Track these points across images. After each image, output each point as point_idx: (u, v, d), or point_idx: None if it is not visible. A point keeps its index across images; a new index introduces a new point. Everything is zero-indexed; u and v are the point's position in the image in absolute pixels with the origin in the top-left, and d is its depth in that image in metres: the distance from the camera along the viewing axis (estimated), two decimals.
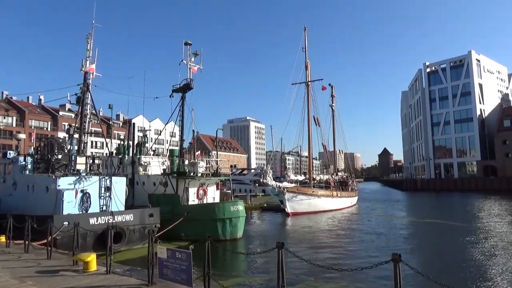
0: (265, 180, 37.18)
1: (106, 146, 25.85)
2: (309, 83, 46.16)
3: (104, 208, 21.11)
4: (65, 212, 19.26)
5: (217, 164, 26.68)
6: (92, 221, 19.10)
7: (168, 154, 30.79)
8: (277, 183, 39.13)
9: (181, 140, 27.49)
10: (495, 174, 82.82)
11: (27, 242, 14.12)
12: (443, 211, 42.61)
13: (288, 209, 37.54)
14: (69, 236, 17.94)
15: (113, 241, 19.68)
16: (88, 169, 21.58)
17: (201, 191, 25.78)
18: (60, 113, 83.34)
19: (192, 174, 24.80)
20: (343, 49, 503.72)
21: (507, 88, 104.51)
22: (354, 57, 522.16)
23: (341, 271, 6.26)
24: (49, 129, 78.56)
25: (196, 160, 26.25)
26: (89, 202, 20.60)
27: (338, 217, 37.40)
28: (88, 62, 22.38)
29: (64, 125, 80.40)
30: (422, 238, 25.23)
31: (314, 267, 7.29)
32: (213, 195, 26.85)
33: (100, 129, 35.84)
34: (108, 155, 27.83)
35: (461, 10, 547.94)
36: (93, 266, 10.86)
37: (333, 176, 50.86)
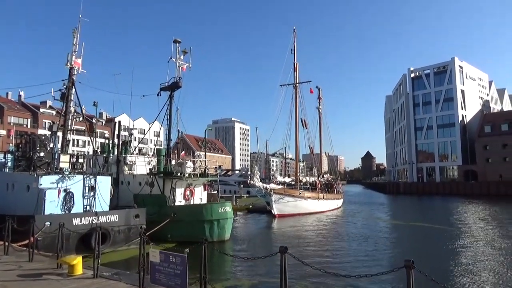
0: (252, 181, 36.85)
1: (91, 144, 25.05)
2: (297, 85, 46.09)
3: (88, 208, 20.47)
4: (47, 212, 18.55)
5: (206, 165, 26.21)
6: (76, 221, 18.44)
7: (153, 153, 30.13)
8: (264, 184, 38.87)
9: (169, 139, 26.91)
10: (475, 178, 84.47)
11: (7, 243, 13.41)
12: (427, 214, 42.99)
13: (275, 211, 37.29)
14: (51, 237, 17.24)
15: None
16: (71, 167, 20.81)
17: (188, 192, 25.29)
18: (41, 110, 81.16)
19: (179, 174, 24.29)
20: (328, 51, 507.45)
21: (487, 95, 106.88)
22: (338, 59, 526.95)
23: (348, 277, 5.95)
24: (29, 126, 76.38)
25: (182, 160, 25.75)
26: (72, 202, 19.90)
27: (325, 219, 37.34)
28: (73, 57, 21.62)
29: (45, 122, 78.31)
30: (410, 242, 25.32)
31: (314, 271, 6.99)
32: (200, 196, 26.39)
33: (84, 127, 34.88)
34: (92, 153, 27.02)
35: (443, 16, 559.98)
36: (79, 270, 10.32)
37: (319, 178, 50.90)
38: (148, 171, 26.15)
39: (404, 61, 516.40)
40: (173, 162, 26.95)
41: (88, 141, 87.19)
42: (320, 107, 55.37)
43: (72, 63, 21.50)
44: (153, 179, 24.33)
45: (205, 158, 27.70)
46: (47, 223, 17.36)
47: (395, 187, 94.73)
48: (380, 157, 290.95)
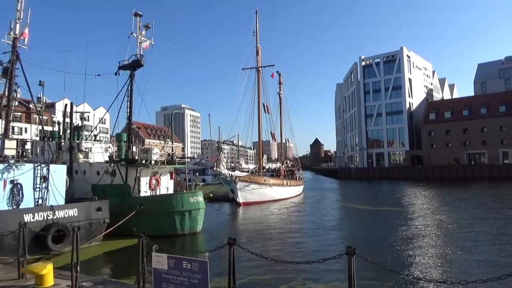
0: (219, 169, 35.11)
1: (41, 129, 21.87)
2: (260, 68, 44.57)
3: (40, 202, 17.73)
4: None
5: (173, 151, 24.06)
6: (27, 217, 15.76)
7: (112, 139, 27.29)
8: (229, 172, 37.24)
9: (129, 123, 24.30)
10: (421, 163, 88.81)
11: None
12: (383, 198, 43.71)
13: (240, 199, 35.92)
14: None
15: (54, 241, 16.72)
16: (19, 155, 17.86)
17: (153, 181, 23.09)
18: None
19: (144, 161, 22.00)
20: (278, 36, 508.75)
21: (431, 84, 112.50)
22: (286, 46, 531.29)
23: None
24: None
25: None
26: (21, 195, 17.14)
27: (291, 206, 36.60)
28: (18, 26, 18.35)
29: None
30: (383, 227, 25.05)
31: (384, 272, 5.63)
32: (166, 185, 24.27)
33: (25, 110, 31.09)
34: (40, 139, 23.82)
35: (392, 6, 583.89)
36: (49, 280, 8.22)
37: (283, 165, 50.20)
38: (107, 159, 23.52)
39: (347, 49, 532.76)
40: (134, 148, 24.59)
41: (26, 128, 79.66)
42: (281, 92, 54.47)
43: (16, 32, 18.23)
44: (114, 168, 21.82)
45: (172, 143, 25.44)
46: None
47: (347, 172, 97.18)
48: (328, 144, 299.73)
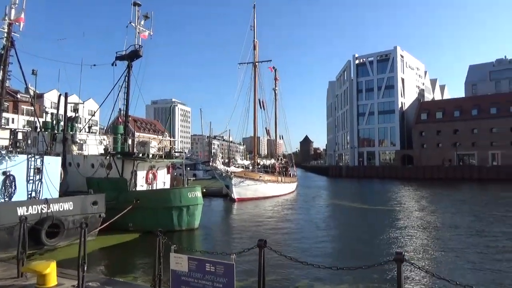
0: (215, 164, 34.59)
1: (36, 119, 21.05)
2: (256, 64, 44.00)
3: (34, 194, 17.07)
4: None
5: (171, 145, 23.49)
6: (21, 211, 15.12)
7: (107, 131, 26.58)
8: (225, 167, 36.74)
9: (126, 116, 23.69)
10: (411, 163, 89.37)
11: None
12: (376, 197, 43.65)
13: (235, 195, 35.49)
14: None
15: (48, 236, 16.10)
16: (13, 146, 17.13)
17: (150, 175, 22.52)
18: None
19: (141, 155, 21.40)
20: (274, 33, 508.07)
21: (423, 84, 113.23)
22: (279, 41, 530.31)
23: None
24: None
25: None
26: (13, 187, 16.44)
27: (286, 204, 36.28)
28: (13, 11, 17.52)
29: None
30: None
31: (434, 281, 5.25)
32: (163, 179, 23.72)
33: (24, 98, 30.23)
34: (32, 129, 23.00)
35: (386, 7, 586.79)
36: (53, 280, 7.69)
37: (278, 161, 49.86)
38: (102, 152, 22.84)
39: (343, 48, 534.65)
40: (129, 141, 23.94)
41: (13, 119, 77.96)
42: (276, 88, 53.88)
43: (12, 17, 17.40)
44: (110, 161, 21.16)
45: (170, 138, 24.82)
46: None
47: (337, 170, 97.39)
48: (317, 142, 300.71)
